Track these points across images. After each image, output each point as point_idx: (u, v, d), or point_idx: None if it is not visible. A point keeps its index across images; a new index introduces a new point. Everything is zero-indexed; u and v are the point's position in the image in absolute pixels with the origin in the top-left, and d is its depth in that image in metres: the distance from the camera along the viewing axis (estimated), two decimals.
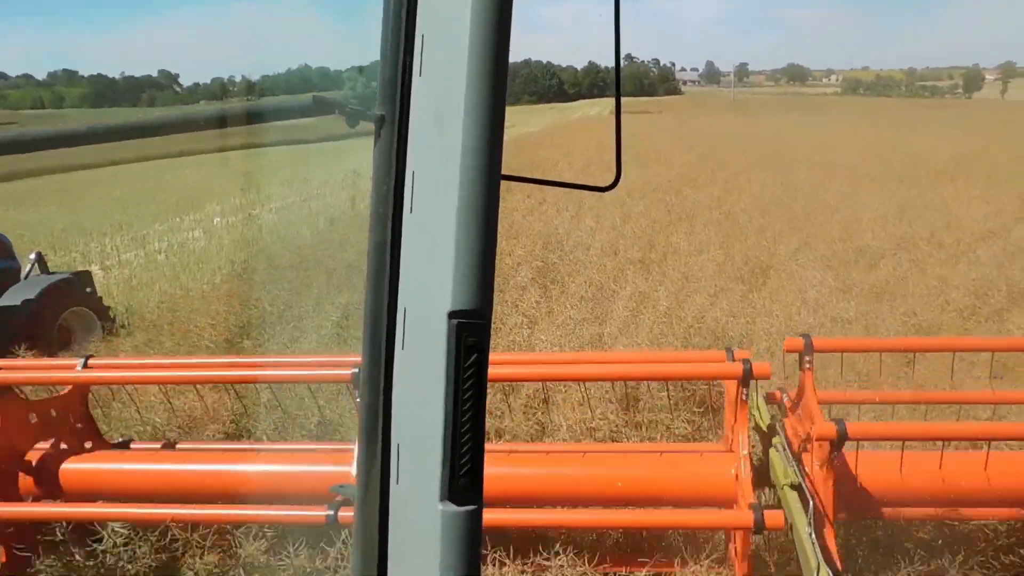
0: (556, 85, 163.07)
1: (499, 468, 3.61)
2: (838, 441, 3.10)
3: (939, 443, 3.43)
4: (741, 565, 3.28)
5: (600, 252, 10.24)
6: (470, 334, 0.96)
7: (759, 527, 3.03)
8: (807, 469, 3.37)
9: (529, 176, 1.31)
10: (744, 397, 3.44)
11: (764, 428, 3.90)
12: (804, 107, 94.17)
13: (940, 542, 3.66)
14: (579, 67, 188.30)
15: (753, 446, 3.80)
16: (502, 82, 0.96)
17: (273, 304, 7.99)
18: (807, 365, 3.71)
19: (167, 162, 38.59)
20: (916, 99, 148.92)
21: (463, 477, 0.98)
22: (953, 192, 15.17)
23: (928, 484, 3.36)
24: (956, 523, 3.67)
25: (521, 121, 62.70)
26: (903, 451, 3.34)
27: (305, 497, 3.45)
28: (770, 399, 4.09)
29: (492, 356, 1.02)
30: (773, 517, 3.03)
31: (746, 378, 3.39)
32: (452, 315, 0.96)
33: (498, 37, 0.94)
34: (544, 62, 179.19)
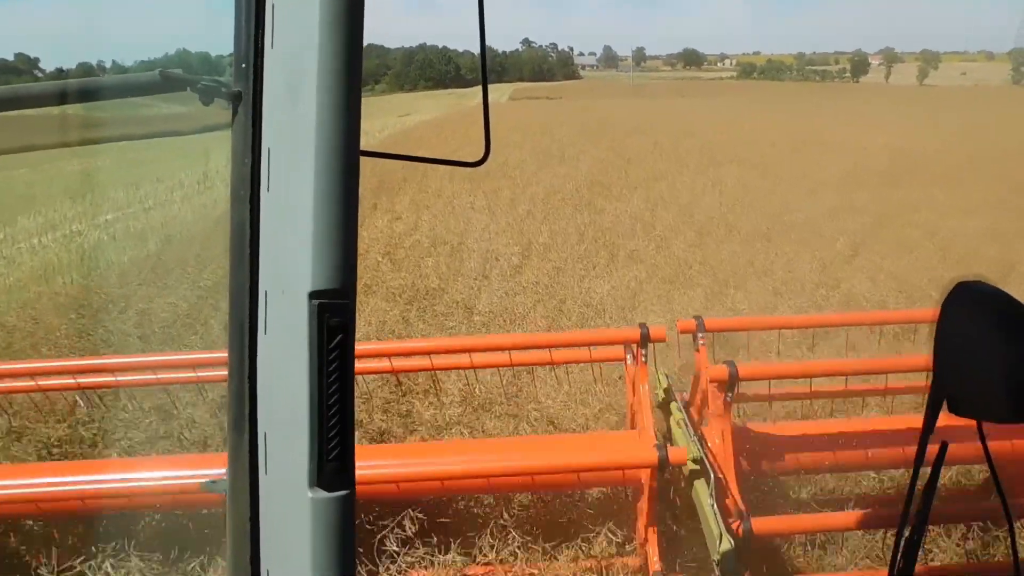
0: (454, 70, 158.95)
1: (410, 461, 3.59)
2: (730, 382, 3.31)
3: (829, 412, 4.21)
4: (645, 502, 3.36)
5: (489, 319, 6.80)
6: (333, 314, 0.92)
7: (663, 464, 3.13)
8: (708, 443, 3.54)
9: (390, 152, 1.31)
10: (644, 359, 3.60)
11: (662, 392, 4.09)
12: (705, 91, 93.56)
13: (830, 499, 3.94)
14: (476, 52, 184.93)
15: (658, 426, 3.76)
16: (357, 54, 0.92)
17: None
18: (700, 343, 3.82)
19: None
20: (809, 83, 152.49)
21: (331, 462, 0.94)
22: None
23: (819, 445, 3.63)
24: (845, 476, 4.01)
25: (417, 107, 59.47)
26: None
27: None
28: (674, 397, 4.08)
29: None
30: (676, 453, 3.19)
31: (644, 341, 3.59)
32: (313, 295, 0.91)
33: (351, 5, 0.90)
34: (440, 47, 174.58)
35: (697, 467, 3.32)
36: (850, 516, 3.51)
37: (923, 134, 26.31)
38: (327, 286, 0.92)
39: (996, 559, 3.55)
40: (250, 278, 0.96)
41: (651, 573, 3.31)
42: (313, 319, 0.92)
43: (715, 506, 3.09)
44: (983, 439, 1.21)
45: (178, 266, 9.11)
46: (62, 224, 14.89)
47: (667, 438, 3.84)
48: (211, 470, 3.31)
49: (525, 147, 20.96)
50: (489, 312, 7.01)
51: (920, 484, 1.24)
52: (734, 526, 3.08)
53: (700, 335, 3.82)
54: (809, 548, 3.63)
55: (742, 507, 3.23)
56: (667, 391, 4.06)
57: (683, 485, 3.60)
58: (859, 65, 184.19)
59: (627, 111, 45.18)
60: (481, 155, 1.21)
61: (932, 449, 1.21)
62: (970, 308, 1.11)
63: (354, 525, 0.98)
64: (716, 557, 3.01)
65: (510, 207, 12.23)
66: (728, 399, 3.40)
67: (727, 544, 2.95)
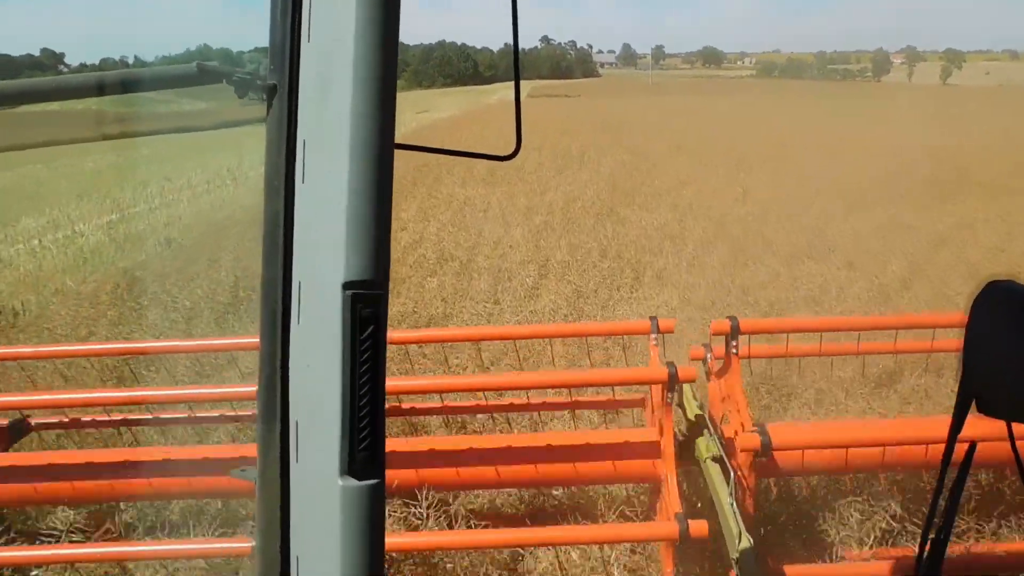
0: (472, 67, 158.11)
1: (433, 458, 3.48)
2: (762, 451, 3.16)
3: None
4: (667, 565, 3.19)
5: (500, 355, 5.87)
6: (365, 305, 0.93)
7: (683, 536, 2.96)
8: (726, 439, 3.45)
9: (423, 145, 1.30)
10: (669, 400, 3.34)
11: (692, 419, 3.81)
12: (725, 90, 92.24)
13: (852, 503, 3.70)
14: (495, 49, 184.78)
15: (679, 423, 3.77)
16: (392, 47, 0.93)
17: None
18: (733, 350, 3.65)
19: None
20: (830, 82, 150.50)
21: (363, 451, 0.95)
22: None
23: (843, 451, 3.39)
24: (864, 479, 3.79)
25: (435, 105, 58.95)
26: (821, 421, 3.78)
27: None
28: (694, 355, 4.00)
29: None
30: (698, 526, 2.96)
31: (672, 382, 3.28)
32: (347, 286, 0.92)
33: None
34: (459, 44, 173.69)
35: (716, 465, 3.27)
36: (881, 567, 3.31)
37: (962, 135, 25.10)
38: (360, 277, 0.92)
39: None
40: (283, 269, 0.96)
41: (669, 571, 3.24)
42: (346, 310, 0.92)
43: (734, 504, 3.04)
44: (1012, 440, 1.15)
45: (181, 268, 8.40)
46: (69, 223, 14.17)
47: (685, 433, 3.79)
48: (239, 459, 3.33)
49: (544, 149, 20.01)
50: (501, 348, 6.09)
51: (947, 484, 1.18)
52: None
53: (734, 342, 3.66)
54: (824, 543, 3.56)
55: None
56: (698, 417, 3.78)
57: (701, 484, 3.60)
58: (880, 64, 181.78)
59: (647, 110, 44.13)
60: (512, 149, 1.22)
61: (960, 449, 1.16)
62: (1001, 308, 1.07)
63: (384, 513, 0.98)
64: (735, 556, 2.94)
65: (526, 216, 11.30)
66: (733, 351, 3.48)
67: (746, 543, 2.90)
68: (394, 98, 0.93)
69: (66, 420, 4.11)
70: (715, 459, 3.31)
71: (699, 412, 3.82)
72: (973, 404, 1.11)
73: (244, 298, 7.43)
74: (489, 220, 10.89)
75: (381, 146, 0.92)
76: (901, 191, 13.59)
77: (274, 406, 0.99)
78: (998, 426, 1.12)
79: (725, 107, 48.53)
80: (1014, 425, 1.12)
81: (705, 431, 3.58)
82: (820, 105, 51.45)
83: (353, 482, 0.94)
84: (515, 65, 1.20)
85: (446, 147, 1.30)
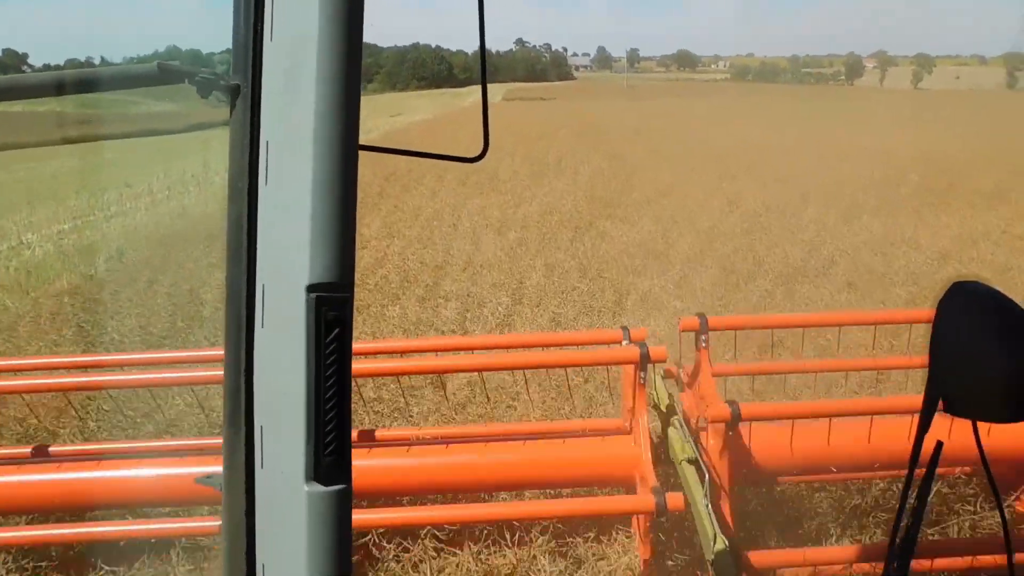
0: (447, 70, 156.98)
1: (399, 460, 3.50)
2: (732, 422, 3.21)
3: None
4: (644, 548, 3.28)
5: (468, 398, 5.08)
6: (330, 308, 0.91)
7: (661, 510, 3.04)
8: (703, 444, 3.46)
9: (389, 146, 1.33)
10: (642, 380, 3.44)
11: (663, 408, 3.95)
12: (700, 92, 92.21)
13: (827, 505, 3.84)
14: (470, 51, 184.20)
15: (652, 422, 3.86)
16: (357, 47, 0.91)
17: None
18: (703, 344, 3.71)
19: None
20: (804, 85, 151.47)
21: (329, 456, 0.94)
22: None
23: (817, 452, 3.44)
24: (840, 485, 3.88)
25: (409, 107, 57.99)
26: (793, 425, 3.40)
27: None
28: (667, 374, 4.16)
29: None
30: (674, 499, 3.06)
31: (643, 362, 3.38)
32: (311, 289, 0.91)
33: None
34: (433, 46, 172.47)
35: (692, 466, 3.29)
36: (854, 550, 3.35)
37: (945, 140, 24.72)
38: (325, 279, 0.91)
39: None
40: (247, 272, 0.95)
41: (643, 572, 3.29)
42: (311, 312, 0.91)
43: (709, 507, 3.05)
44: (979, 439, 1.19)
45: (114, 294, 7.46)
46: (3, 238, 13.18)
47: (661, 436, 3.84)
48: (205, 468, 3.29)
49: (518, 155, 19.26)
50: (468, 383, 5.31)
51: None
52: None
53: (703, 336, 3.72)
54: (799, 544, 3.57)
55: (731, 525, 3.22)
56: (669, 408, 3.92)
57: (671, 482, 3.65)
58: (853, 68, 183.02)
59: (624, 113, 43.57)
60: (480, 151, 1.22)
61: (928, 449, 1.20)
62: (966, 308, 1.10)
63: (351, 519, 0.97)
64: (710, 557, 2.97)
65: (499, 232, 10.52)
66: (729, 436, 3.34)
67: (721, 544, 2.92)
68: (358, 98, 0.91)
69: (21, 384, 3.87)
70: (690, 461, 3.31)
71: (669, 402, 3.92)
72: (940, 404, 1.12)
73: (185, 328, 6.64)
74: (459, 236, 10.09)
75: (345, 146, 0.91)
76: (894, 199, 13.00)
77: (239, 411, 0.96)
78: (965, 425, 1.14)
79: (703, 110, 48.10)
80: (979, 424, 1.14)
81: (678, 430, 3.62)
82: (798, 108, 51.23)
83: (319, 488, 0.92)
84: (482, 67, 1.21)
85: (445, 154, 1.25)
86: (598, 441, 3.69)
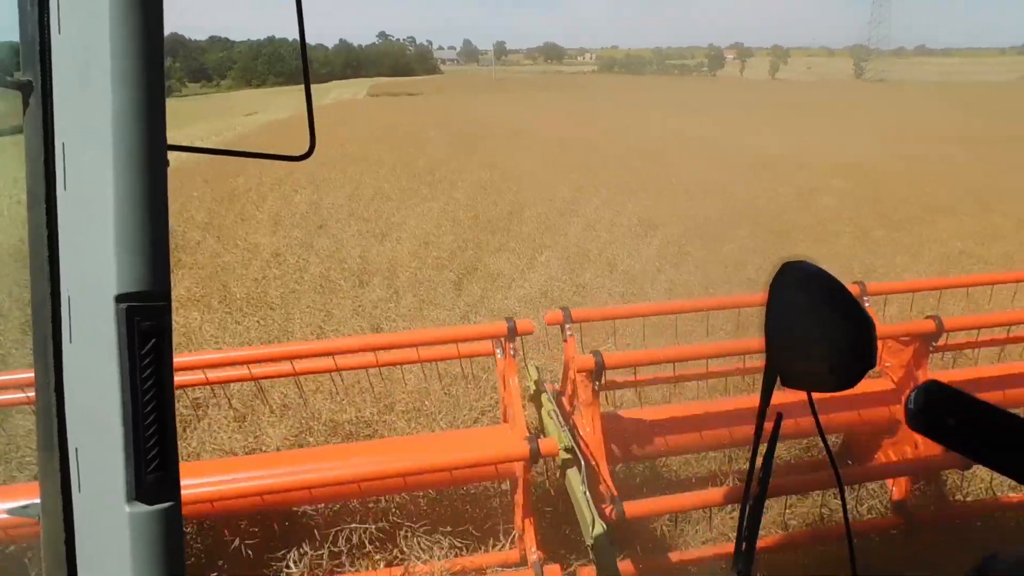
0: None
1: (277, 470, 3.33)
2: (596, 371, 3.32)
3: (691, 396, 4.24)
4: (521, 496, 3.32)
5: None
6: (144, 318, 0.86)
7: (535, 456, 3.07)
8: (579, 432, 3.51)
9: (201, 146, 1.24)
10: (512, 353, 3.48)
11: (534, 389, 3.99)
12: (570, 85, 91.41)
13: (694, 478, 4.08)
14: (330, 46, 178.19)
15: (531, 420, 3.89)
16: (157, 38, 0.84)
17: None
18: (568, 334, 3.71)
19: None
20: (669, 76, 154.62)
21: (152, 474, 0.88)
22: None
23: (682, 429, 3.67)
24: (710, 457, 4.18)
25: (265, 106, 53.90)
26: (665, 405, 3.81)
27: None
28: (544, 388, 4.08)
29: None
30: (547, 444, 3.11)
31: (511, 335, 3.45)
32: (121, 299, 0.85)
33: None
34: (290, 40, 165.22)
35: (569, 456, 3.27)
36: (714, 493, 3.45)
37: (854, 143, 23.79)
38: (136, 288, 0.85)
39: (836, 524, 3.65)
40: (51, 284, 0.89)
41: (530, 564, 3.26)
42: (122, 324, 0.85)
43: (587, 493, 3.10)
44: (814, 411, 1.22)
45: None
46: None
47: (540, 430, 3.81)
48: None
49: (385, 164, 16.46)
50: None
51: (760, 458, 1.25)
52: (607, 510, 3.10)
53: (568, 326, 3.67)
54: (675, 526, 3.69)
55: (614, 492, 3.26)
56: (537, 383, 3.99)
57: (557, 475, 3.65)
58: (716, 59, 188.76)
59: (496, 108, 41.26)
60: (307, 148, 1.16)
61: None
62: (795, 287, 1.12)
63: (182, 537, 0.92)
64: (590, 541, 3.02)
65: (360, 282, 7.84)
66: (596, 387, 3.42)
67: (599, 528, 2.98)
68: (163, 94, 0.85)
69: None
70: (567, 450, 3.25)
71: (537, 378, 4.00)
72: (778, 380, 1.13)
73: None
74: (302, 298, 7.30)
75: (150, 147, 0.84)
76: (835, 213, 11.16)
77: (52, 433, 0.90)
78: (801, 397, 1.16)
79: (579, 105, 46.43)
80: (814, 395, 1.16)
81: (553, 420, 3.56)
82: (678, 101, 50.65)
83: (143, 507, 0.88)
84: (303, 61, 1.15)
85: (267, 152, 1.16)
86: (476, 432, 3.97)
